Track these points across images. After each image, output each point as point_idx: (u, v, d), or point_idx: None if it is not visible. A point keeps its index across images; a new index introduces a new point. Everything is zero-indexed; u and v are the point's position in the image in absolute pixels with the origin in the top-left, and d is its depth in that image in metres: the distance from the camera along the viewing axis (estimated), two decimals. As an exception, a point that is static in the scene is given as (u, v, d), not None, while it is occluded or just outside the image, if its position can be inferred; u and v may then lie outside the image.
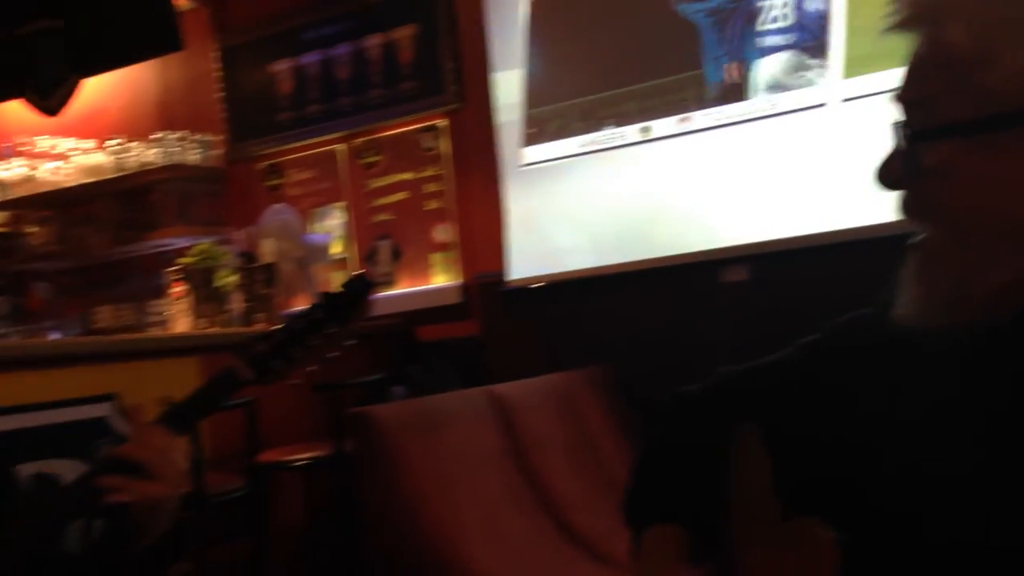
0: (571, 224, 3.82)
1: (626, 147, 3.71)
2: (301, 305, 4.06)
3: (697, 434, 1.15)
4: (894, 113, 0.97)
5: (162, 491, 1.36)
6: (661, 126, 3.66)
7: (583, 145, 3.80)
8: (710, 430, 1.14)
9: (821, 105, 3.38)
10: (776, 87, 3.47)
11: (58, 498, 1.36)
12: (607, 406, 3.28)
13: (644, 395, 3.50)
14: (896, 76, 0.98)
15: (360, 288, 1.56)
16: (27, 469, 2.36)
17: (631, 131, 3.71)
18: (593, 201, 3.76)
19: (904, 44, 0.98)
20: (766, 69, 3.49)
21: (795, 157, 3.41)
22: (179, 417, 1.42)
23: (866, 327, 1.10)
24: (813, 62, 3.41)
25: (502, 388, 2.92)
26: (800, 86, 3.42)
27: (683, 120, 3.62)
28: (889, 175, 0.98)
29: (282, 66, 4.54)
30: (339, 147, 4.43)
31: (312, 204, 4.47)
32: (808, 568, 0.89)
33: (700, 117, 3.59)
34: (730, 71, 3.55)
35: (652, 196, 3.64)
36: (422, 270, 4.20)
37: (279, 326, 1.52)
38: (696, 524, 1.12)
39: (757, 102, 3.49)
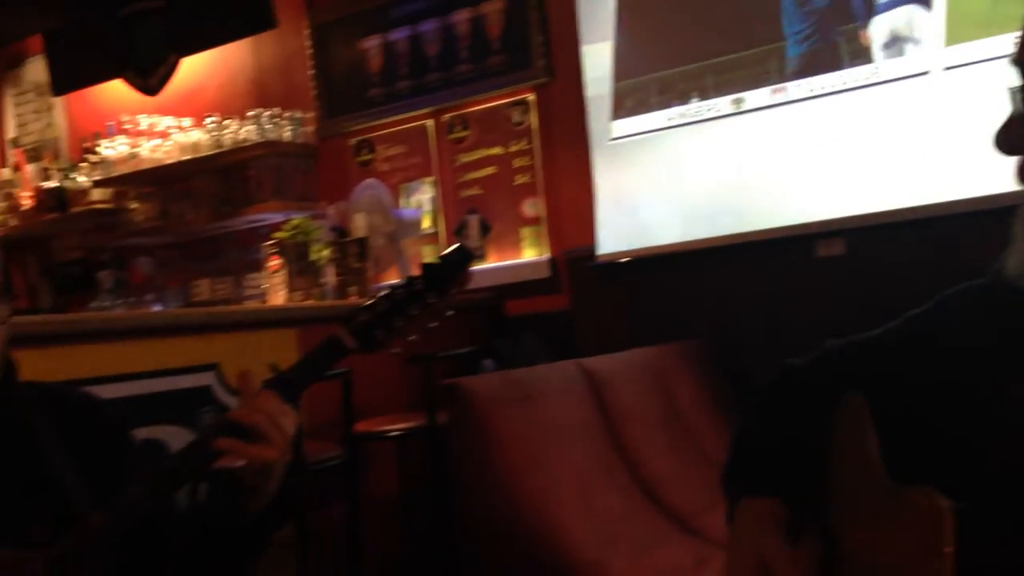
0: (661, 198, 3.79)
1: (718, 119, 3.66)
2: (392, 279, 4.14)
3: (802, 407, 1.15)
4: (1010, 77, 0.95)
5: (272, 455, 1.41)
6: (754, 97, 3.60)
7: (672, 118, 3.76)
8: (816, 403, 1.13)
9: (924, 74, 3.28)
10: (877, 54, 3.37)
11: (175, 460, 1.42)
12: (698, 381, 3.26)
13: (737, 370, 3.47)
14: (1001, 43, 0.96)
15: (459, 259, 1.58)
16: (137, 435, 2.44)
17: (723, 103, 3.65)
18: (684, 174, 3.73)
19: (1015, 9, 0.95)
20: (866, 36, 3.40)
21: (894, 128, 3.32)
22: (287, 384, 1.46)
23: (978, 297, 1.08)
24: (915, 29, 3.30)
25: (593, 361, 2.92)
26: (901, 54, 3.32)
27: (776, 91, 3.55)
28: (1008, 140, 0.96)
29: (372, 43, 4.59)
30: (428, 122, 4.47)
31: (402, 179, 4.53)
32: (921, 539, 0.88)
33: (794, 88, 3.52)
34: (827, 40, 3.47)
35: (745, 169, 3.58)
36: (511, 244, 4.22)
37: (381, 296, 1.55)
38: (797, 497, 1.11)
39: (856, 71, 3.40)
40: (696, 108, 3.71)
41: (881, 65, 3.36)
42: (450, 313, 1.59)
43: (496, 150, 4.30)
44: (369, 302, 1.54)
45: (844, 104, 3.41)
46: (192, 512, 1.59)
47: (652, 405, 2.96)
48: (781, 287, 3.52)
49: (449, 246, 1.56)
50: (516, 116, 4.24)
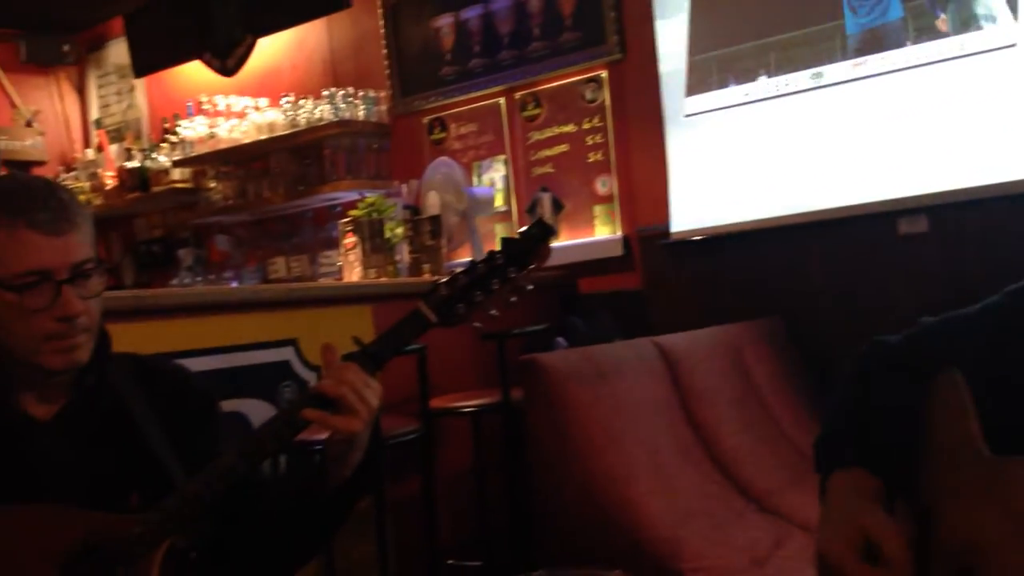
0: (737, 175, 3.74)
1: (795, 94, 3.59)
2: (465, 257, 4.16)
3: (897, 382, 1.13)
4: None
5: (356, 426, 1.43)
6: (833, 72, 3.52)
7: (748, 93, 3.71)
8: (911, 378, 1.11)
9: (1008, 47, 3.18)
10: (962, 27, 3.27)
11: (263, 430, 1.45)
12: (775, 360, 3.22)
13: (814, 349, 3.42)
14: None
15: (539, 234, 1.58)
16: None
17: (801, 78, 3.58)
18: (760, 151, 3.67)
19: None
20: (950, 9, 3.30)
21: (978, 102, 3.22)
22: (370, 356, 1.49)
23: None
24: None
25: (668, 339, 2.91)
26: (986, 27, 3.22)
27: (856, 65, 3.47)
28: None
29: (444, 21, 4.60)
30: (501, 100, 4.47)
31: (474, 157, 4.54)
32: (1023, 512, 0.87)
33: (875, 61, 3.43)
34: (911, 11, 3.38)
35: (824, 145, 3.51)
36: (583, 223, 4.21)
37: (462, 271, 1.56)
38: (890, 471, 1.10)
39: (937, 44, 3.31)
40: (773, 83, 3.64)
41: (964, 38, 3.26)
42: (530, 288, 1.59)
43: (569, 128, 4.28)
44: (449, 277, 1.56)
45: (926, 78, 3.32)
46: (277, 482, 1.63)
47: (727, 383, 2.94)
48: (861, 266, 3.45)
49: (522, 224, 1.57)
50: (589, 93, 4.22)
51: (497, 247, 1.56)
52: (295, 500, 1.55)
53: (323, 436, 1.80)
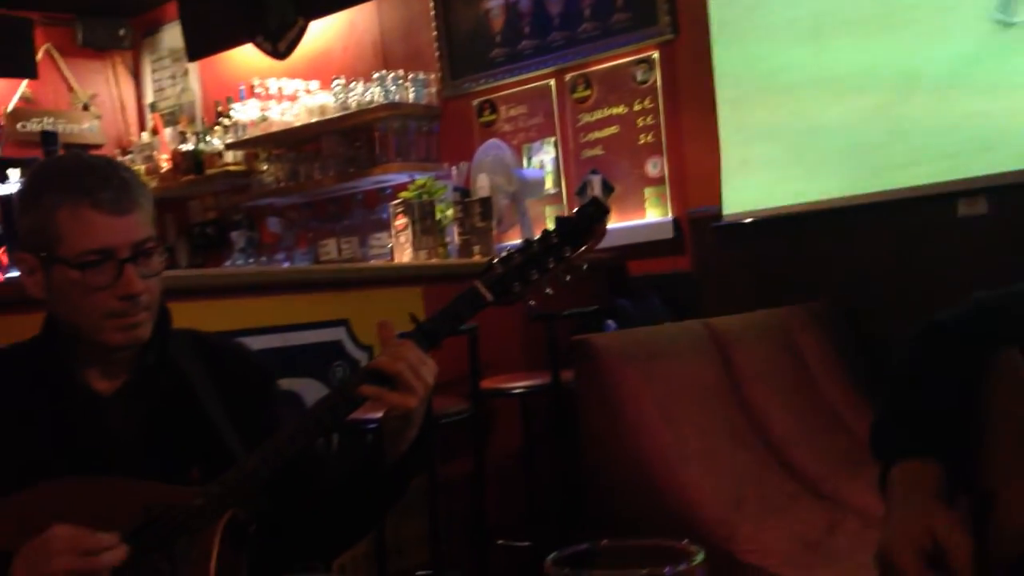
0: (790, 156, 3.69)
1: (851, 72, 3.53)
2: (515, 239, 4.16)
3: (954, 361, 1.11)
4: None
5: (412, 403, 1.44)
6: (890, 49, 3.45)
7: (803, 70, 3.64)
8: (968, 357, 1.09)
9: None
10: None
11: (320, 406, 1.47)
12: (828, 343, 3.18)
13: (869, 333, 3.38)
14: None
15: (595, 212, 1.57)
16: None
17: (855, 55, 3.51)
18: (815, 131, 3.61)
19: None
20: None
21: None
22: (426, 334, 1.50)
23: None
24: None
25: (719, 321, 2.89)
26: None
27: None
28: None
29: (494, 3, 4.59)
30: (551, 82, 4.45)
31: (524, 139, 4.53)
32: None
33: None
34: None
35: (880, 123, 3.45)
36: (633, 205, 4.18)
37: (517, 250, 1.56)
38: (951, 456, 1.08)
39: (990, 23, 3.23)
40: (828, 60, 3.58)
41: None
42: (584, 267, 1.59)
43: (619, 109, 4.25)
44: (505, 255, 1.56)
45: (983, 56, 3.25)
46: (333, 458, 1.65)
47: (780, 366, 2.91)
48: (918, 248, 3.39)
49: (572, 207, 1.56)
50: (640, 74, 4.19)
51: (548, 229, 1.55)
52: (352, 476, 1.56)
53: (377, 415, 1.82)
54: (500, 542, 3.31)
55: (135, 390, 1.51)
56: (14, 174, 2.62)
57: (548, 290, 1.56)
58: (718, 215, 3.85)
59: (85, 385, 1.49)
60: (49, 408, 1.47)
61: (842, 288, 3.53)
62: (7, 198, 2.61)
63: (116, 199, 1.42)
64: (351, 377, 1.47)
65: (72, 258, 1.41)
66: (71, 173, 1.45)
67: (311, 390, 2.92)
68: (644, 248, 4.07)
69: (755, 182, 3.77)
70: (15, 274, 2.63)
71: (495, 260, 1.56)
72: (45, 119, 5.63)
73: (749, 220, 3.78)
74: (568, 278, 1.57)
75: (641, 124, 4.19)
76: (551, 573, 0.60)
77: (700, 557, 0.60)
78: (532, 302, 1.58)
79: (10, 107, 5.59)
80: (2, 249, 3.13)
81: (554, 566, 0.61)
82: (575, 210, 1.60)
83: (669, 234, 4.07)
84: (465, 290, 1.53)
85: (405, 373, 1.42)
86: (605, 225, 1.58)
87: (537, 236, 1.57)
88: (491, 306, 1.54)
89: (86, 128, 5.86)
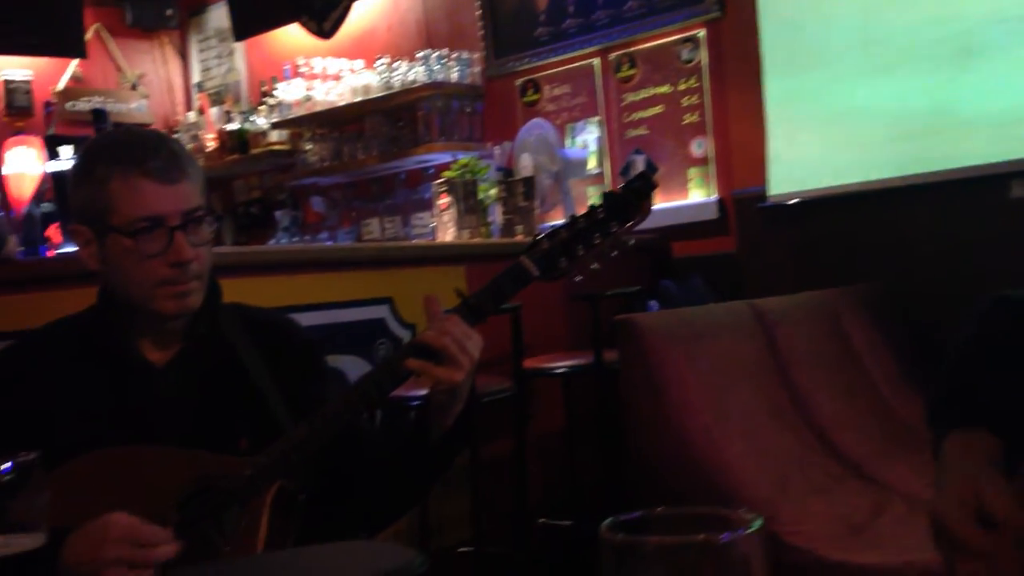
0: (838, 135, 3.63)
1: (902, 49, 3.46)
2: (558, 219, 4.15)
3: (1019, 337, 1.09)
4: None
5: (458, 377, 1.45)
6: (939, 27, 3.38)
7: (852, 48, 3.58)
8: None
9: None
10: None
11: (367, 379, 1.48)
12: (875, 326, 3.14)
13: (918, 316, 3.33)
14: None
15: (642, 187, 1.57)
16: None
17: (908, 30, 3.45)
18: (863, 110, 3.56)
19: None
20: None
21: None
22: (472, 309, 1.50)
23: None
24: None
25: (764, 302, 2.86)
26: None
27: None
28: None
29: (539, -19, 4.56)
30: (595, 61, 4.42)
31: (568, 119, 4.51)
32: None
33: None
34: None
35: (931, 102, 3.38)
36: (677, 185, 4.15)
37: (563, 225, 1.56)
38: (1011, 430, 1.06)
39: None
40: (878, 36, 3.51)
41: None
42: (632, 242, 1.58)
43: (664, 88, 4.22)
44: (551, 231, 1.55)
45: None
46: (379, 433, 1.66)
47: (825, 348, 2.88)
48: (969, 230, 3.33)
49: (615, 187, 1.54)
50: (685, 53, 4.14)
51: (595, 204, 1.55)
52: (397, 449, 1.58)
53: (420, 392, 1.83)
54: (541, 521, 3.32)
55: (186, 361, 1.53)
56: (65, 151, 2.66)
57: (594, 265, 1.55)
58: (763, 196, 3.81)
59: (139, 355, 1.51)
60: (104, 377, 1.49)
61: (890, 271, 3.48)
62: (60, 175, 2.65)
63: (166, 168, 1.45)
64: (397, 352, 1.48)
65: (124, 226, 1.44)
66: (122, 144, 1.48)
67: (355, 367, 2.95)
68: (688, 229, 4.04)
69: (801, 162, 3.73)
70: (68, 249, 2.68)
71: (541, 236, 1.56)
72: (94, 98, 5.70)
73: (795, 201, 3.74)
74: (615, 253, 1.56)
75: (686, 103, 4.15)
76: (606, 538, 0.60)
77: (758, 524, 0.60)
78: (578, 277, 1.58)
79: (60, 86, 5.67)
80: (55, 226, 3.18)
81: (609, 531, 0.61)
82: (622, 184, 1.60)
83: (713, 215, 4.04)
84: (511, 265, 1.53)
85: (451, 347, 1.42)
86: (652, 200, 1.57)
87: (583, 212, 1.57)
88: (537, 281, 1.54)
89: (134, 107, 5.93)
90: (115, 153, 1.47)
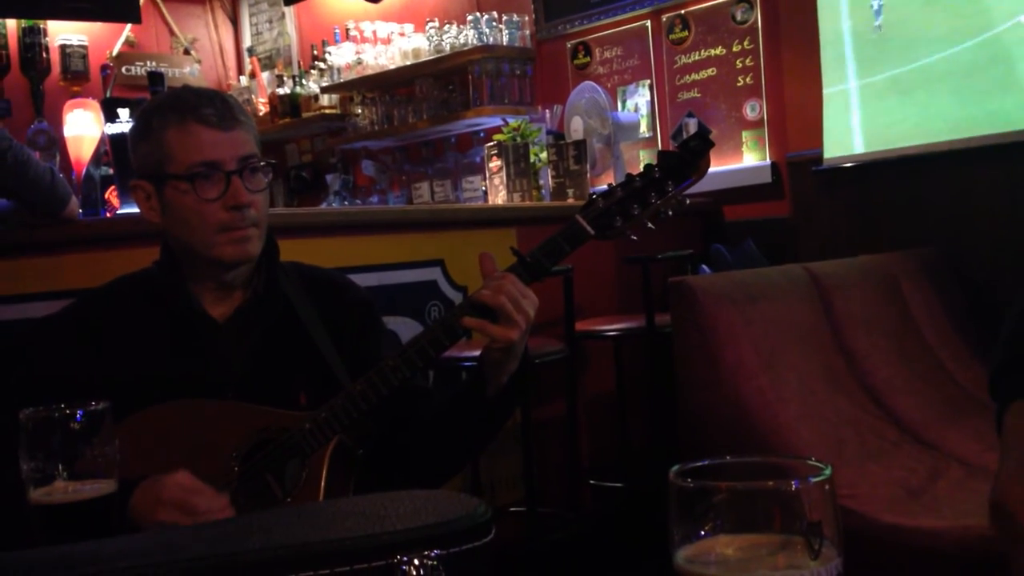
0: (897, 96, 3.55)
1: (963, 5, 3.37)
2: (609, 182, 4.13)
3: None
4: None
5: (514, 336, 1.45)
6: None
7: (912, 6, 3.49)
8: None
9: None
10: None
11: (424, 336, 1.48)
12: (934, 290, 3.09)
13: (978, 281, 3.27)
14: None
15: (699, 147, 1.55)
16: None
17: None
18: (924, 70, 3.47)
19: None
20: None
21: None
22: (528, 268, 1.50)
23: None
24: None
25: (820, 265, 2.82)
26: None
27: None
28: None
29: (590, -58, 4.50)
30: (647, 23, 4.36)
31: (619, 82, 4.46)
32: None
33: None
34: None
35: (992, 61, 3.29)
36: (731, 149, 4.10)
37: (619, 184, 1.55)
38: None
39: None
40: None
41: None
42: (687, 202, 1.57)
43: (717, 50, 4.15)
44: (607, 190, 1.54)
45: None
46: (434, 390, 1.67)
47: (882, 313, 2.83)
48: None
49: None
50: (739, 14, 4.07)
51: (651, 163, 1.53)
52: (452, 406, 1.59)
53: (473, 352, 1.83)
54: (592, 482, 3.34)
55: (247, 317, 1.56)
56: (123, 114, 2.70)
57: (650, 225, 1.54)
58: (819, 159, 3.75)
59: (201, 310, 1.54)
60: (167, 332, 1.52)
61: (949, 235, 3.41)
62: (118, 137, 2.69)
63: (219, 115, 1.48)
64: (453, 310, 1.48)
65: (182, 172, 1.47)
66: (175, 97, 1.52)
67: (407, 328, 2.97)
68: (741, 193, 3.99)
69: (858, 124, 3.66)
70: (125, 211, 2.72)
71: (597, 194, 1.55)
72: (148, 62, 5.76)
73: (851, 164, 3.67)
74: (670, 213, 1.55)
75: (740, 65, 4.08)
76: (675, 484, 0.60)
77: (828, 472, 0.59)
78: (634, 237, 1.57)
79: (115, 51, 5.74)
80: (112, 189, 3.23)
81: (678, 477, 0.61)
82: (679, 143, 1.58)
83: (767, 178, 3.98)
84: (566, 224, 1.52)
85: (507, 306, 1.43)
86: (709, 160, 1.55)
87: (639, 171, 1.55)
88: (592, 239, 1.53)
89: (187, 72, 5.98)
90: (170, 104, 1.51)
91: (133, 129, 1.57)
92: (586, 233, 1.51)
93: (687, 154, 1.54)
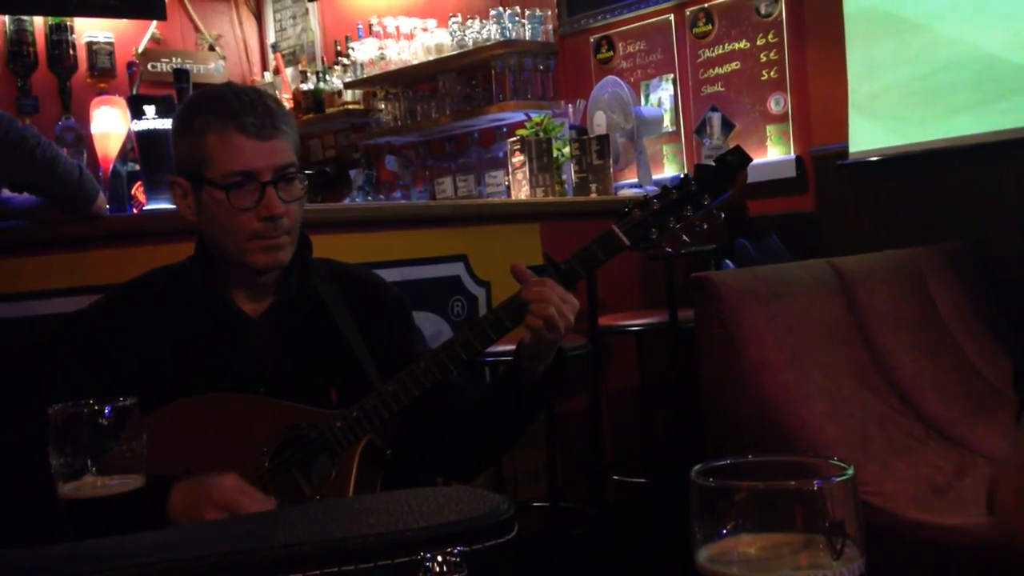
0: (922, 90, 3.52)
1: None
2: (632, 178, 4.12)
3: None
4: None
5: (556, 338, 1.47)
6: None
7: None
8: None
9: None
10: None
11: (458, 338, 1.50)
12: (960, 286, 3.06)
13: (1005, 276, 3.24)
14: None
15: (737, 161, 1.55)
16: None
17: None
18: (949, 64, 3.44)
19: None
20: None
21: None
22: (564, 274, 1.51)
23: None
24: None
25: (845, 261, 2.80)
26: None
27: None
28: None
29: (613, -64, 4.49)
30: (670, 17, 4.35)
31: (642, 77, 4.45)
32: None
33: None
34: None
35: (1018, 55, 3.25)
36: (755, 143, 4.08)
37: (654, 195, 1.55)
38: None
39: None
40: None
41: None
42: (722, 216, 1.57)
43: (741, 44, 4.13)
44: (642, 200, 1.55)
45: None
46: (467, 384, 1.67)
47: (908, 308, 2.81)
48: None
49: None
50: (764, 7, 4.05)
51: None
52: (489, 397, 1.60)
53: (496, 349, 1.84)
54: (616, 478, 3.34)
55: (279, 313, 1.57)
56: (150, 111, 2.72)
57: (684, 238, 1.55)
58: (844, 153, 3.72)
59: (234, 306, 1.55)
60: (199, 326, 1.54)
61: (974, 230, 3.38)
62: (145, 134, 2.71)
63: (260, 125, 1.48)
64: (488, 314, 1.49)
65: (218, 179, 1.48)
66: (220, 99, 1.52)
67: (430, 323, 2.98)
68: (765, 187, 3.97)
69: (883, 118, 3.63)
70: (152, 207, 2.74)
71: (632, 205, 1.55)
72: (174, 59, 5.80)
73: (876, 158, 3.65)
74: (705, 227, 1.56)
75: (764, 59, 4.06)
76: (697, 483, 0.60)
77: (850, 472, 0.59)
78: (668, 249, 1.58)
79: (140, 48, 5.78)
80: (138, 185, 3.25)
81: (699, 476, 0.61)
82: (714, 157, 1.58)
83: (791, 173, 3.96)
84: (602, 233, 1.53)
85: (555, 317, 1.44)
86: (746, 175, 1.56)
87: (677, 182, 1.56)
88: (627, 250, 1.54)
89: (212, 68, 6.02)
90: (213, 107, 1.50)
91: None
92: (621, 243, 1.53)
93: (724, 168, 1.54)
